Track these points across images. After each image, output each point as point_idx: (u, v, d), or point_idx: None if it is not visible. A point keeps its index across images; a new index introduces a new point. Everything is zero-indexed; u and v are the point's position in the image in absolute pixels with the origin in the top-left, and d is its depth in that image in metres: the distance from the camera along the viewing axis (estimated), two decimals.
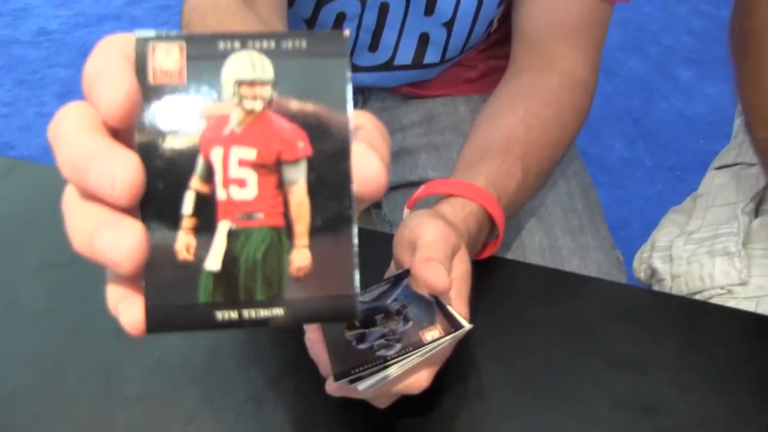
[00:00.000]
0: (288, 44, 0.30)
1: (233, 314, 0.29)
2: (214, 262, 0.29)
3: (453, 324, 0.49)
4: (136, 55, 0.29)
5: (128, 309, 0.29)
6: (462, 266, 0.54)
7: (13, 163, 0.76)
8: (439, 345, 0.48)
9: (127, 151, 0.27)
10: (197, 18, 0.62)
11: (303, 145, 0.30)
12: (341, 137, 0.30)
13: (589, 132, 0.73)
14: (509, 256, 0.74)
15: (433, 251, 0.51)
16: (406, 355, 0.47)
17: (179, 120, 0.29)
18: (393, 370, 0.47)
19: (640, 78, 2.31)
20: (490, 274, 0.65)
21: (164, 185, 0.29)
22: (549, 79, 0.73)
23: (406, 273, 0.53)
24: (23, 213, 0.70)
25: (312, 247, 0.30)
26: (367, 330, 0.50)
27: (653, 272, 0.78)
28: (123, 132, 0.29)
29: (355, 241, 0.30)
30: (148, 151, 0.29)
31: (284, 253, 0.30)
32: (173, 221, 0.29)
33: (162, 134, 0.29)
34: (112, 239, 0.27)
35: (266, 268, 0.30)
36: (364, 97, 0.91)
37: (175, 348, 0.58)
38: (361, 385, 0.47)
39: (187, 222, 0.29)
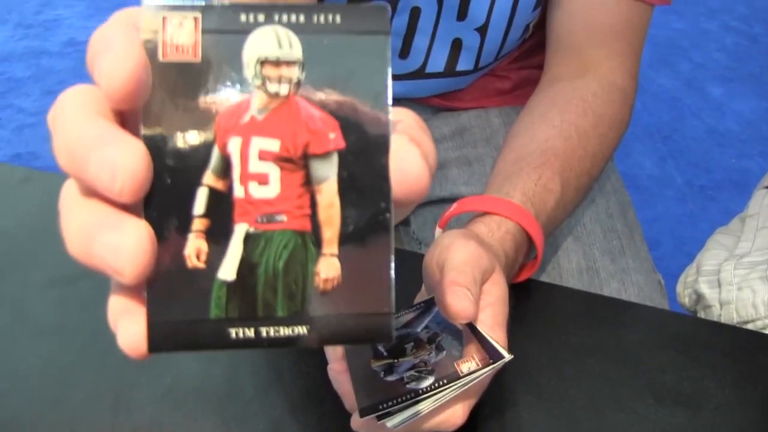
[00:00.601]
0: (320, 18, 0.25)
1: (249, 332, 0.25)
2: (228, 270, 0.25)
3: (491, 354, 0.45)
4: (143, 26, 0.25)
5: (127, 325, 0.25)
6: (498, 290, 0.49)
7: (29, 173, 0.73)
8: (476, 378, 0.44)
9: (132, 138, 0.23)
10: None
11: (334, 137, 0.25)
12: (379, 128, 0.25)
13: (618, 149, 0.70)
14: (545, 277, 0.70)
15: (460, 275, 0.47)
16: (440, 389, 0.43)
17: (192, 104, 0.25)
18: (425, 405, 0.43)
19: (671, 95, 2.28)
20: (526, 298, 0.61)
21: (173, 180, 0.25)
22: (585, 87, 0.69)
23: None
24: (36, 225, 0.67)
25: (342, 256, 0.26)
26: (396, 360, 0.46)
27: (699, 298, 0.73)
28: (128, 117, 0.25)
29: (392, 250, 0.26)
30: (156, 140, 0.24)
31: (310, 263, 0.26)
32: (183, 222, 0.25)
33: (172, 120, 0.25)
34: (114, 241, 0.23)
35: (288, 280, 0.25)
36: None
37: (188, 372, 0.54)
38: (390, 422, 0.43)
39: (199, 223, 0.25)
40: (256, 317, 0.25)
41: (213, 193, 0.25)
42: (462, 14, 0.74)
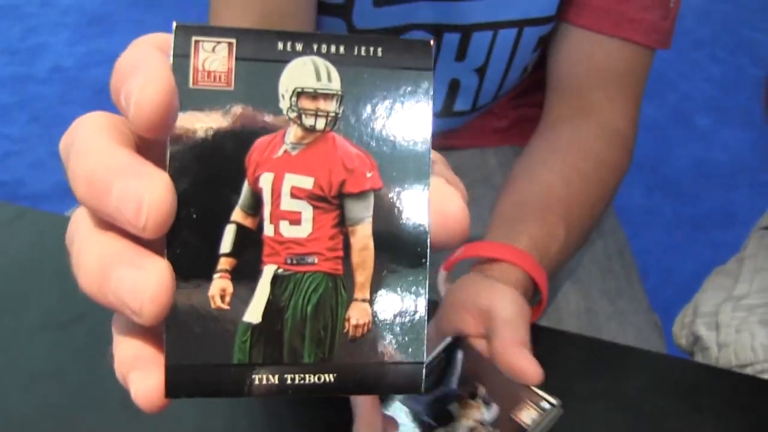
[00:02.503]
0: (361, 50, 0.24)
1: (273, 379, 0.24)
2: (254, 313, 0.24)
3: (535, 396, 0.44)
4: (174, 50, 0.23)
5: (142, 376, 0.23)
6: None
7: (21, 210, 0.72)
8: (543, 426, 0.43)
9: (157, 170, 0.22)
10: None
11: (371, 176, 0.24)
12: (419, 169, 0.24)
13: None
14: (544, 319, 0.70)
15: (517, 331, 0.47)
16: None
17: (222, 135, 0.23)
18: None
19: (658, 125, 2.28)
20: None
21: (199, 215, 0.23)
22: (586, 130, 0.69)
23: (457, 341, 0.48)
24: (27, 265, 0.66)
25: (374, 301, 0.24)
26: (448, 428, 0.43)
27: (696, 339, 0.73)
28: (153, 146, 0.24)
29: (427, 298, 0.25)
30: (182, 172, 0.23)
31: (340, 308, 0.24)
32: (208, 261, 0.23)
33: (201, 151, 0.23)
34: (133, 279, 0.22)
35: (317, 325, 0.24)
36: None
37: (192, 420, 0.53)
38: None
39: (225, 263, 0.24)
40: (281, 363, 0.24)
41: (241, 230, 0.24)
42: (461, 55, 0.74)
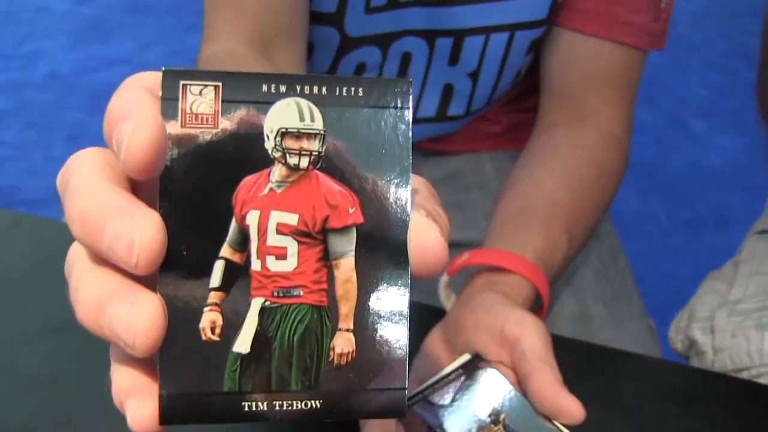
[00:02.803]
0: (342, 91, 0.25)
1: (262, 405, 0.25)
2: (243, 344, 0.25)
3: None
4: (162, 94, 0.24)
5: (138, 405, 0.24)
6: None
7: (18, 217, 0.72)
8: None
9: (148, 210, 0.23)
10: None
11: (354, 211, 0.26)
12: (399, 204, 0.26)
13: None
14: None
15: (553, 370, 0.46)
16: None
17: (210, 174, 0.24)
18: None
19: (653, 130, 2.29)
20: None
21: (189, 252, 0.24)
22: (586, 136, 0.70)
23: (475, 359, 0.48)
24: (25, 271, 0.66)
25: (357, 331, 0.26)
26: None
27: (692, 344, 0.73)
28: (143, 186, 0.25)
29: (408, 326, 0.26)
30: (172, 211, 0.24)
31: (325, 337, 0.26)
32: (198, 295, 0.25)
33: (189, 191, 0.24)
34: (126, 315, 0.23)
35: (303, 354, 0.25)
36: None
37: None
38: None
39: (214, 296, 0.25)
40: (269, 390, 0.25)
41: (229, 265, 0.25)
42: (454, 60, 0.74)
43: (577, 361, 0.60)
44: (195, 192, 0.24)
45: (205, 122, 0.25)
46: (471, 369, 0.48)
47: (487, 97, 0.78)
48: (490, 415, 0.46)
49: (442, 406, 0.46)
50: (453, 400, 0.47)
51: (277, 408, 0.25)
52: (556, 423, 0.45)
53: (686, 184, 2.16)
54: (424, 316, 0.56)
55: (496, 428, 0.45)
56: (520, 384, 0.47)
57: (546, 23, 0.71)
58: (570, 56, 0.72)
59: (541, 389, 0.46)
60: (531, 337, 0.48)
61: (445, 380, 0.48)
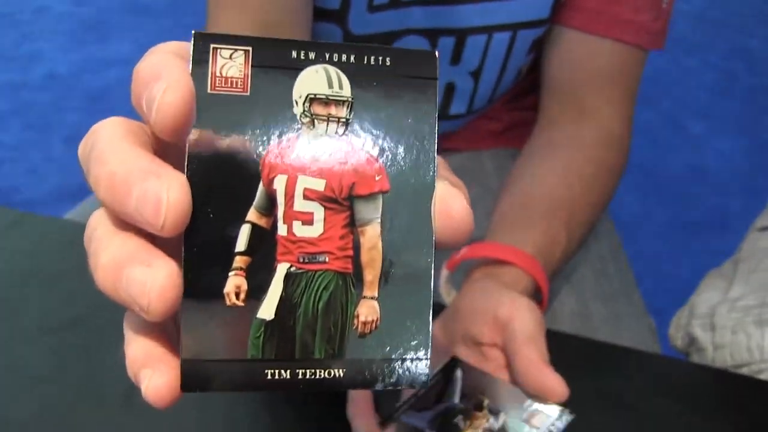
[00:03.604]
0: (370, 60, 0.26)
1: (285, 374, 0.25)
2: (268, 310, 0.25)
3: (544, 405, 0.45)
4: (193, 56, 0.24)
5: (154, 374, 0.24)
6: None
7: (20, 215, 0.72)
8: (558, 426, 0.43)
9: (175, 172, 0.23)
10: None
11: (380, 179, 0.26)
12: (424, 172, 0.26)
13: None
14: None
15: (539, 349, 0.47)
16: None
17: (238, 138, 0.24)
18: None
19: (651, 131, 2.29)
20: None
21: (215, 215, 0.24)
22: (586, 134, 0.70)
23: (454, 361, 0.49)
24: (27, 270, 0.66)
25: (381, 299, 0.26)
26: None
27: (692, 340, 0.73)
28: (170, 150, 0.25)
29: (431, 296, 0.26)
30: (200, 174, 0.24)
31: (350, 305, 0.26)
32: (223, 259, 0.24)
33: (217, 154, 0.24)
34: (142, 278, 0.23)
35: (328, 321, 0.25)
36: None
37: (194, 419, 0.53)
38: None
39: (240, 261, 0.25)
40: (293, 358, 0.25)
41: (255, 230, 0.25)
42: (456, 59, 0.74)
43: (578, 357, 0.60)
44: (222, 156, 0.24)
45: (234, 86, 0.25)
46: (450, 371, 0.49)
47: (488, 95, 0.78)
48: (473, 404, 0.46)
49: (426, 409, 0.47)
50: (436, 402, 0.47)
51: (300, 377, 0.25)
52: (541, 402, 0.45)
53: (685, 185, 2.16)
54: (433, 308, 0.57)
55: (481, 413, 0.45)
56: (508, 365, 0.48)
57: (547, 22, 0.71)
58: (570, 54, 0.72)
59: (527, 368, 0.46)
60: (522, 318, 0.49)
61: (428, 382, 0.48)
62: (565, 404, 0.46)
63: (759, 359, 0.65)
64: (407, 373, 0.26)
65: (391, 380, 0.26)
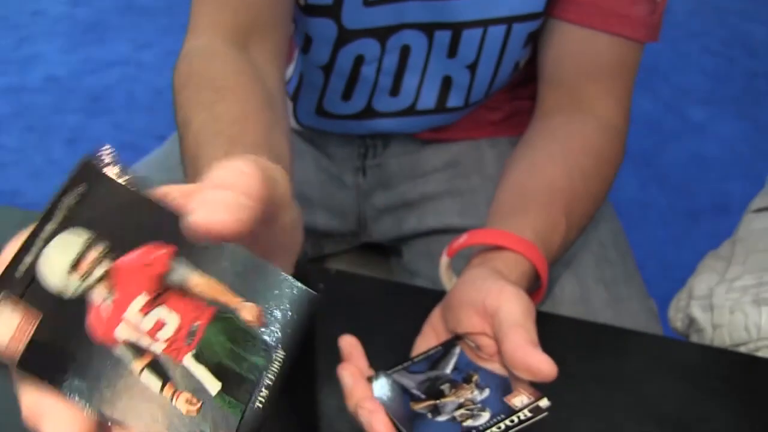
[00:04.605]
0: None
1: (263, 392, 0.29)
2: (211, 385, 0.29)
3: (535, 390, 0.45)
4: None
5: None
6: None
7: (26, 214, 0.73)
8: (534, 410, 0.44)
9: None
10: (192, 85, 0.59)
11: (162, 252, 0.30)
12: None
13: None
14: (538, 307, 0.71)
15: (527, 333, 0.48)
16: (502, 421, 0.43)
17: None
18: None
19: (652, 118, 2.29)
20: None
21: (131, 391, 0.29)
22: (585, 124, 0.70)
23: (456, 339, 0.49)
24: None
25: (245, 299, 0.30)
26: (438, 401, 0.46)
27: (691, 321, 0.74)
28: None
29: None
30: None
31: (238, 321, 0.30)
32: (157, 399, 0.29)
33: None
34: None
35: (240, 342, 0.30)
36: (384, 142, 0.87)
37: None
38: None
39: (168, 390, 0.29)
40: (253, 381, 0.29)
41: (150, 366, 0.29)
42: (452, 52, 0.74)
43: (579, 339, 0.61)
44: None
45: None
46: (450, 345, 0.50)
47: (485, 88, 0.79)
48: (464, 377, 0.48)
49: (419, 373, 0.49)
50: (429, 369, 0.49)
51: (269, 382, 0.30)
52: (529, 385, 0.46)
53: (686, 172, 2.16)
54: (432, 296, 0.57)
55: (468, 386, 0.47)
56: (499, 352, 0.48)
57: (543, 16, 0.71)
58: (567, 48, 0.72)
59: (513, 351, 0.47)
60: (509, 307, 0.49)
61: (425, 355, 0.51)
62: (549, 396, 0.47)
63: (756, 337, 0.66)
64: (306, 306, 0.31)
65: (301, 325, 0.31)
